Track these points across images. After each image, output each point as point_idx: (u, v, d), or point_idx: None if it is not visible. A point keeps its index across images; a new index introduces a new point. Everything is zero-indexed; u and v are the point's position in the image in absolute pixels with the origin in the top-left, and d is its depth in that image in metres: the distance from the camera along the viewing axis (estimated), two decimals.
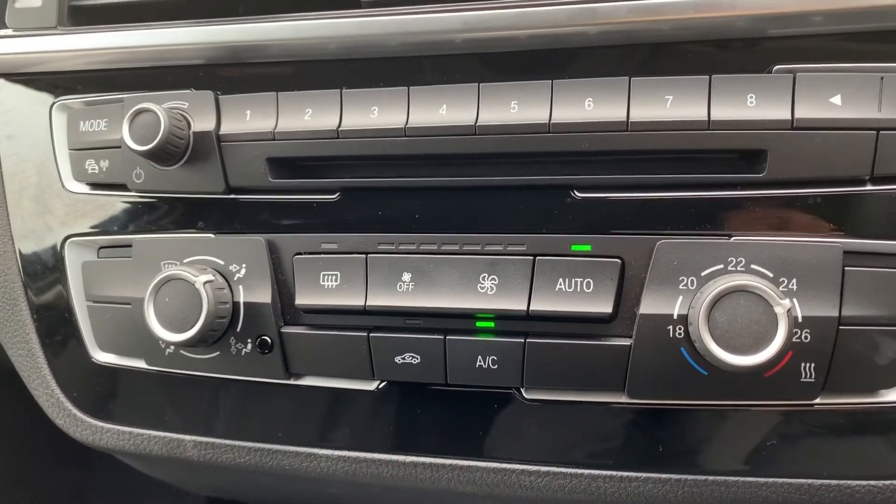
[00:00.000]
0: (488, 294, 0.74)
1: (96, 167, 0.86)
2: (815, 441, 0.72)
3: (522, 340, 0.74)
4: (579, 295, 0.72)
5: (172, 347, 0.83)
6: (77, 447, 0.97)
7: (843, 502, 0.72)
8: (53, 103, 0.90)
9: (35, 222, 0.90)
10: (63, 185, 0.89)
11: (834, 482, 0.72)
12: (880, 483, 0.71)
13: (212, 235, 0.83)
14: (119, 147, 0.83)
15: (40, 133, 0.90)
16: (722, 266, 0.69)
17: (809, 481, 0.72)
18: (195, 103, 0.81)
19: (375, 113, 0.76)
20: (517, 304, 0.73)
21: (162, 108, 0.78)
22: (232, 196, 0.82)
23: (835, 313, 0.67)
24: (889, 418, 0.70)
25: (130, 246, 0.85)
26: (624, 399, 0.74)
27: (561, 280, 0.73)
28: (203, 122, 0.80)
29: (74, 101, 0.89)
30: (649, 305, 0.70)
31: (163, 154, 0.79)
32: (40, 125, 0.90)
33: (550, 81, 0.72)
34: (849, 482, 0.72)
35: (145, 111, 0.78)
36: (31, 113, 0.90)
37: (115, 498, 1.46)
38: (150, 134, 0.77)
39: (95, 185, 0.88)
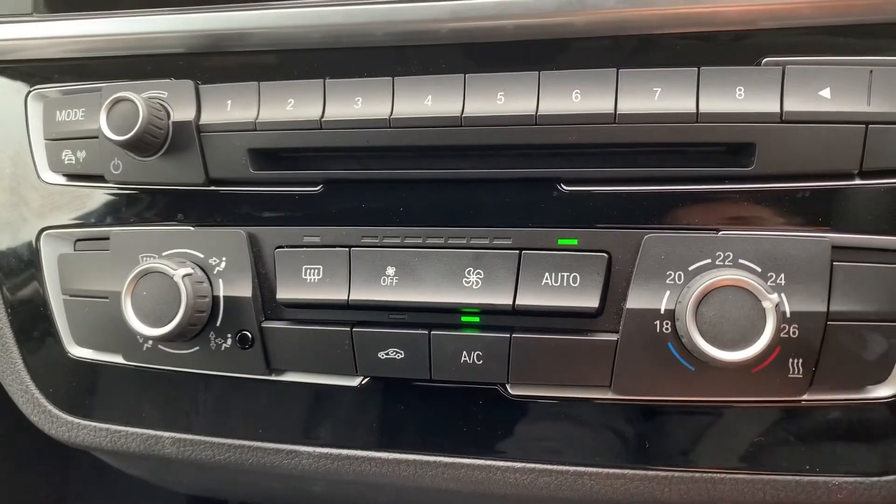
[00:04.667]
0: (473, 288, 0.73)
1: (73, 158, 0.84)
2: (802, 437, 0.71)
3: (508, 335, 0.73)
4: (566, 289, 0.71)
5: (150, 342, 0.81)
6: (57, 445, 0.95)
7: (830, 498, 0.72)
8: (29, 92, 0.88)
9: (10, 214, 0.88)
10: (39, 177, 0.87)
11: (821, 478, 0.71)
12: (867, 479, 0.71)
13: (191, 228, 0.81)
14: (96, 137, 0.81)
15: (15, 123, 0.88)
16: (710, 260, 0.68)
17: (797, 477, 0.72)
18: (175, 93, 0.80)
19: (359, 103, 0.75)
20: (503, 299, 0.72)
21: (140, 97, 0.76)
22: (212, 188, 0.80)
23: (823, 308, 0.67)
24: (876, 414, 0.70)
25: (108, 238, 0.83)
26: (610, 395, 0.73)
27: (547, 274, 0.72)
28: (183, 112, 0.79)
29: (51, 90, 0.87)
30: (636, 300, 0.70)
31: (141, 144, 0.77)
32: (15, 115, 0.88)
33: (537, 72, 0.71)
34: (835, 478, 0.71)
35: (123, 100, 0.76)
36: (6, 102, 0.88)
37: (96, 498, 1.44)
38: (129, 124, 0.76)
39: (72, 177, 0.86)
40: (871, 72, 0.66)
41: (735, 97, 0.67)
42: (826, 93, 0.66)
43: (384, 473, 0.82)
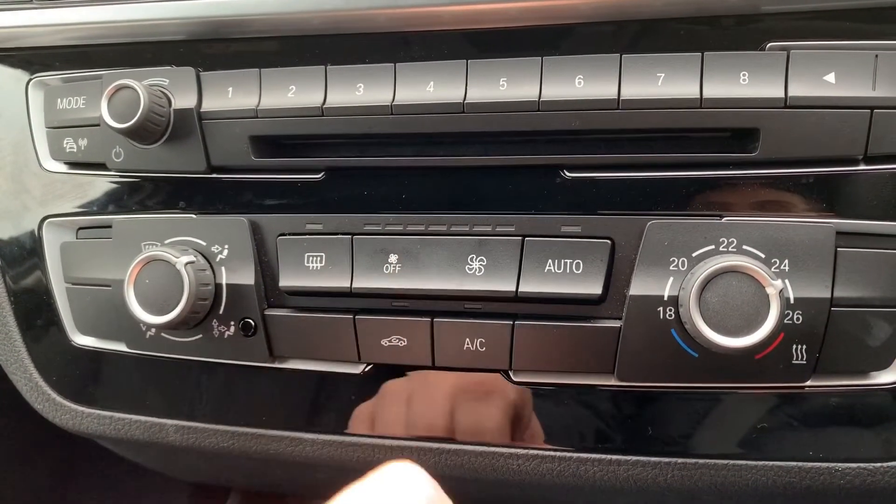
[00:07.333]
0: (476, 275, 0.73)
1: (74, 146, 0.84)
2: (805, 423, 0.71)
3: (511, 322, 0.73)
4: (569, 276, 0.71)
5: (153, 330, 0.81)
6: (61, 432, 0.95)
7: (833, 484, 0.72)
8: (30, 80, 0.87)
9: (11, 202, 0.88)
10: (40, 165, 0.87)
11: (824, 465, 0.71)
12: (870, 465, 0.71)
13: (193, 216, 0.81)
14: (98, 125, 0.81)
15: (16, 111, 0.87)
16: (713, 247, 0.68)
17: (799, 464, 0.72)
18: (176, 80, 0.79)
19: (361, 90, 0.74)
20: (506, 286, 0.72)
21: (142, 84, 0.76)
22: (214, 175, 0.80)
23: (827, 294, 0.67)
24: (880, 400, 0.70)
25: (110, 227, 0.83)
26: (613, 382, 0.73)
27: (550, 261, 0.72)
28: (184, 100, 0.78)
29: (51, 77, 0.87)
30: (639, 287, 0.70)
31: (143, 132, 0.77)
32: (16, 102, 0.87)
33: (540, 58, 0.71)
34: (838, 464, 0.71)
35: (125, 88, 0.76)
36: (7, 90, 0.88)
37: (100, 483, 1.45)
38: (130, 111, 0.75)
39: (74, 165, 0.86)
40: (877, 56, 0.66)
41: (739, 82, 0.67)
42: (831, 77, 0.66)
43: (387, 460, 0.82)
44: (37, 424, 0.96)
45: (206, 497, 1.53)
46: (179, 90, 0.79)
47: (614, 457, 0.76)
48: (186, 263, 0.74)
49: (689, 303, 0.64)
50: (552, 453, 0.77)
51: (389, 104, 0.73)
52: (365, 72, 0.75)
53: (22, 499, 1.29)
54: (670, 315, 0.69)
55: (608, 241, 0.71)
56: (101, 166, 0.83)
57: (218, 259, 0.79)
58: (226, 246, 0.79)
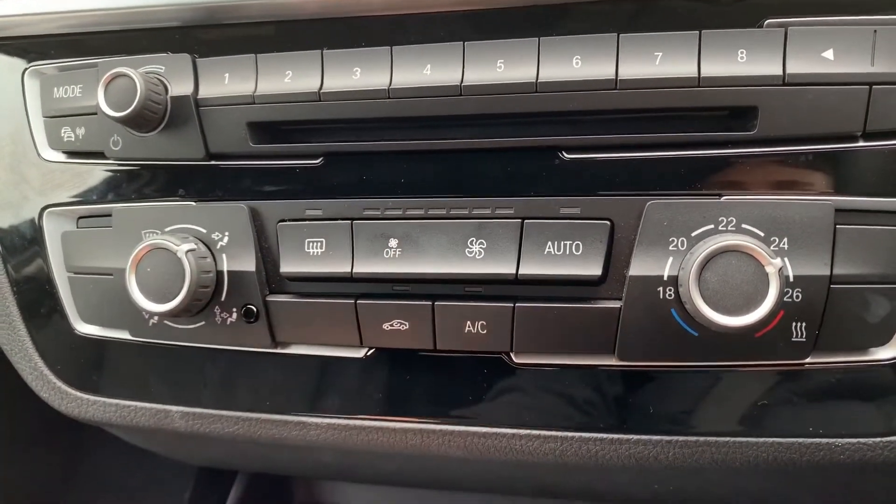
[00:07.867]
0: (476, 258, 0.73)
1: (72, 135, 0.84)
2: (805, 400, 0.72)
3: (511, 305, 0.73)
4: (568, 258, 0.71)
5: (156, 318, 0.82)
6: (67, 419, 0.96)
7: (833, 460, 0.72)
8: (25, 69, 0.87)
9: (11, 193, 0.88)
10: (39, 154, 0.87)
11: (824, 440, 0.72)
12: (870, 440, 0.72)
13: (193, 203, 0.81)
14: (95, 114, 0.81)
15: (13, 100, 0.87)
16: (712, 226, 0.68)
17: (800, 440, 0.72)
18: (172, 67, 0.79)
19: (358, 74, 0.74)
20: (506, 269, 0.72)
21: (138, 72, 0.75)
22: (212, 162, 0.80)
23: (826, 272, 0.67)
24: (879, 376, 0.70)
25: (110, 215, 0.83)
26: (614, 361, 0.74)
27: (550, 243, 0.72)
28: (180, 87, 0.78)
29: (47, 66, 0.87)
30: (639, 267, 0.70)
31: (140, 120, 0.77)
32: (13, 92, 0.87)
33: (537, 39, 0.70)
34: (838, 440, 0.72)
35: (121, 76, 0.76)
36: (3, 79, 0.88)
37: (106, 468, 1.46)
38: (127, 99, 0.75)
39: (72, 154, 0.86)
40: (875, 31, 0.65)
41: (737, 60, 0.67)
42: (829, 54, 0.66)
43: (392, 443, 0.83)
44: (43, 412, 0.97)
45: (214, 480, 1.55)
46: (176, 77, 0.79)
47: (616, 436, 0.76)
48: (187, 251, 0.75)
49: (688, 282, 0.64)
50: (555, 433, 0.78)
51: (387, 88, 0.73)
52: (361, 55, 0.74)
53: (29, 485, 1.30)
54: (670, 295, 0.69)
55: (607, 222, 0.71)
56: (99, 155, 0.83)
57: (219, 246, 0.79)
58: (226, 233, 0.79)
